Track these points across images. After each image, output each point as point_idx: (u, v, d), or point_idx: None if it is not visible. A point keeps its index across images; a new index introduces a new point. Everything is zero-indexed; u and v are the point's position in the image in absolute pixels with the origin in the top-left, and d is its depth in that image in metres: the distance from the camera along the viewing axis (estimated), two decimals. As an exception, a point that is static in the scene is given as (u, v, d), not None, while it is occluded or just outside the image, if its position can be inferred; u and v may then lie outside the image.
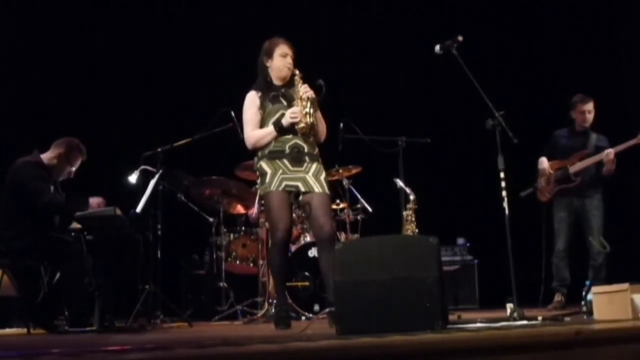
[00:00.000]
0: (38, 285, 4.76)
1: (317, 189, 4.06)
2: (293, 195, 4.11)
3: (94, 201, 4.72)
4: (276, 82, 4.22)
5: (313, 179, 4.08)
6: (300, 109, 4.04)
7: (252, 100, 4.20)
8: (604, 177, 5.63)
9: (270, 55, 4.19)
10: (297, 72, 4.16)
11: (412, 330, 2.87)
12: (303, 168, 4.08)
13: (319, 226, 4.04)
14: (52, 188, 4.71)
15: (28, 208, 4.48)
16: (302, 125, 4.03)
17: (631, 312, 3.27)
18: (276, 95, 4.18)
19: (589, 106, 5.72)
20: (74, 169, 4.78)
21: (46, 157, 4.67)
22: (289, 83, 4.20)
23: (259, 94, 4.19)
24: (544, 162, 5.83)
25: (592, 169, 5.66)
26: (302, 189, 4.06)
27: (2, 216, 4.53)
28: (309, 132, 4.09)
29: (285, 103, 4.16)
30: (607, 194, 5.79)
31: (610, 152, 5.51)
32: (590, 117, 5.73)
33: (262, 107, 4.16)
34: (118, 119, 6.94)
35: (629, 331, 2.79)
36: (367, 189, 6.30)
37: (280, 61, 4.17)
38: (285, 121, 4.05)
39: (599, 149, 5.64)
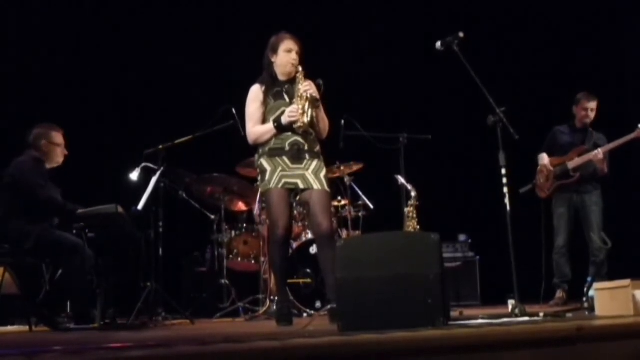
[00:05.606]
0: (40, 283, 4.77)
1: (316, 186, 4.05)
2: (293, 194, 4.11)
3: None
4: (281, 77, 4.21)
5: (312, 176, 4.07)
6: (298, 108, 4.03)
7: (255, 94, 4.19)
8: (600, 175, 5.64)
9: (275, 50, 4.17)
10: (300, 69, 4.14)
11: (413, 326, 2.87)
12: (303, 165, 4.08)
13: (318, 223, 4.03)
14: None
15: (28, 203, 4.49)
16: (298, 124, 4.03)
17: (633, 308, 3.27)
18: (279, 91, 4.17)
19: (593, 104, 5.75)
20: (62, 146, 4.78)
21: (37, 154, 4.68)
22: (294, 79, 4.17)
23: (263, 87, 4.18)
24: (544, 158, 5.84)
25: (590, 165, 5.65)
26: (302, 186, 4.06)
27: (3, 216, 4.54)
28: (307, 129, 4.08)
29: (287, 100, 4.14)
30: (608, 190, 5.79)
31: (598, 152, 5.52)
32: (592, 115, 5.77)
33: (265, 102, 4.16)
34: (119, 116, 6.94)
35: (630, 327, 2.79)
36: (369, 185, 6.30)
37: (285, 57, 4.15)
38: (284, 120, 4.04)
39: (597, 147, 5.64)
